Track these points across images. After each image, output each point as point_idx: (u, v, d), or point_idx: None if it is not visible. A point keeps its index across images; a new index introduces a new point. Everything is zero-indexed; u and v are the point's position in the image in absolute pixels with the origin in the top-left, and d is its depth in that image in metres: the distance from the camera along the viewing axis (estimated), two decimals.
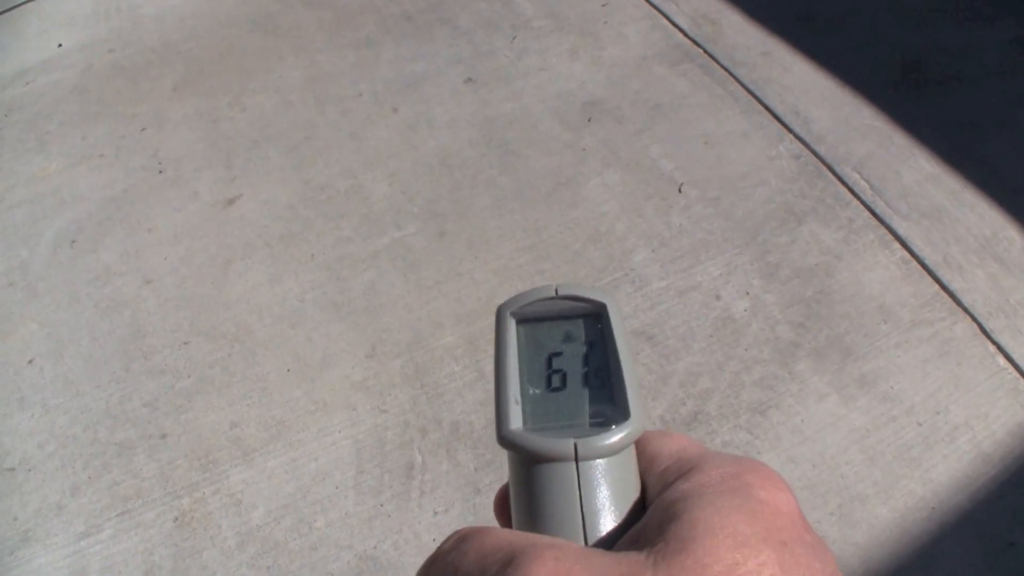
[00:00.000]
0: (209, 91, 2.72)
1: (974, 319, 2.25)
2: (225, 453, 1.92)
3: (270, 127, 2.53)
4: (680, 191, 2.47)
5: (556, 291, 0.43)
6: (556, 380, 0.41)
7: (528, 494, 0.38)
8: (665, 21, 2.94)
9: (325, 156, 2.46)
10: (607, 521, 0.36)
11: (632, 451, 0.39)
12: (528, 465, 0.38)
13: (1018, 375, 2.15)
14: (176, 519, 1.84)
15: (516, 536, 0.33)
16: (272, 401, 2.01)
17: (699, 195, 2.47)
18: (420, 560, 1.71)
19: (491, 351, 2.08)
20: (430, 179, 2.43)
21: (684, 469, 0.36)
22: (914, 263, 2.36)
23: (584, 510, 0.36)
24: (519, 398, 0.41)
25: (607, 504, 0.37)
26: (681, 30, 2.92)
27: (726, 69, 2.81)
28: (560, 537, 0.34)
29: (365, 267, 2.24)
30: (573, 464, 0.37)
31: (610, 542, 0.35)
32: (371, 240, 2.30)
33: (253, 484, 1.88)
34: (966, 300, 2.29)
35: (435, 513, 1.86)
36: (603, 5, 2.96)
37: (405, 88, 2.65)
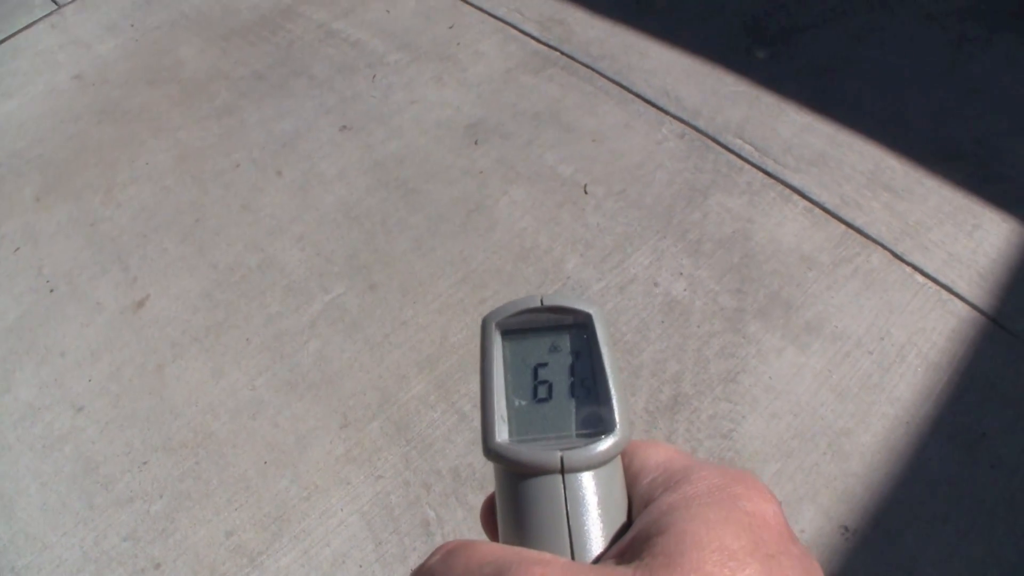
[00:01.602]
0: (76, 193, 2.53)
1: (884, 247, 2.42)
2: (231, 565, 1.81)
3: (155, 217, 2.39)
4: (586, 192, 2.52)
5: (541, 301, 0.43)
6: (542, 391, 0.42)
7: (515, 507, 0.38)
8: (515, 32, 2.98)
9: (223, 235, 2.36)
10: (594, 534, 0.36)
11: (619, 463, 0.40)
12: (514, 477, 0.39)
13: (938, 287, 2.32)
14: None
15: (503, 551, 0.33)
16: (261, 498, 1.91)
17: (605, 192, 2.53)
18: None
19: (464, 391, 2.07)
20: (340, 234, 2.37)
21: (671, 481, 0.37)
22: (817, 210, 2.51)
23: (571, 523, 0.36)
24: (505, 410, 0.41)
25: (594, 517, 0.37)
26: (533, 37, 2.96)
27: (588, 66, 2.88)
28: (547, 550, 0.34)
29: (306, 338, 2.17)
30: (559, 476, 0.37)
31: (597, 555, 0.36)
32: (302, 310, 2.22)
33: None
34: (872, 232, 2.46)
35: None
36: (450, 28, 2.97)
37: (282, 149, 2.57)
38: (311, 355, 2.14)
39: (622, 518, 0.38)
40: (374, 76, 2.81)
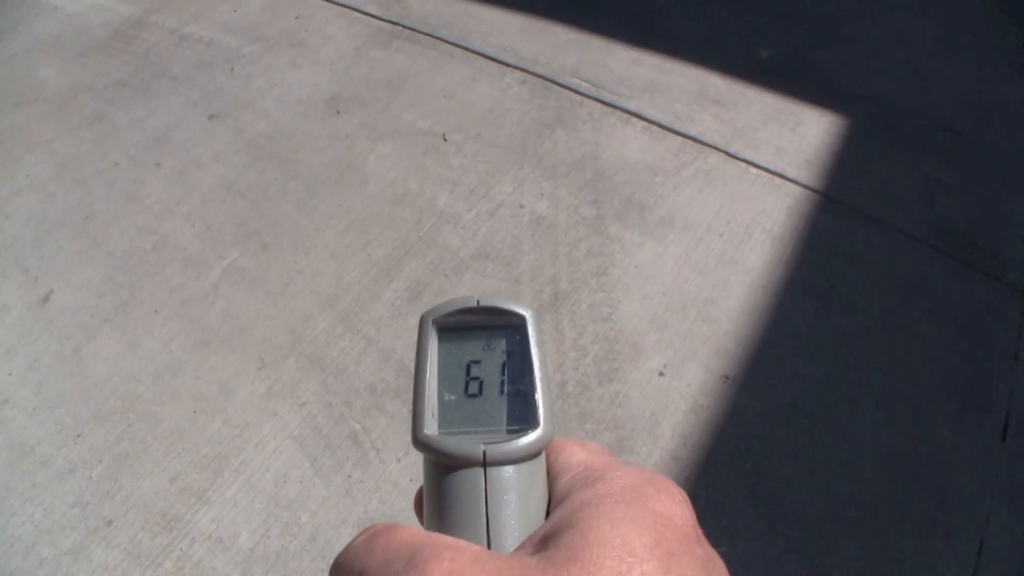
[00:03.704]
0: None
1: (719, 150, 2.59)
2: (180, 506, 1.82)
3: (45, 221, 2.37)
4: (446, 140, 2.62)
5: (478, 302, 0.43)
6: (473, 387, 0.42)
7: (438, 496, 0.38)
8: (358, 14, 3.04)
9: (115, 225, 2.35)
10: (512, 526, 0.36)
11: (542, 459, 0.40)
12: (440, 468, 0.38)
13: (771, 175, 2.51)
14: None
15: (421, 536, 0.33)
16: (196, 444, 1.92)
17: (463, 137, 2.63)
18: (410, 503, 1.76)
19: (366, 319, 2.14)
20: (226, 208, 2.40)
21: (589, 479, 0.37)
22: (654, 127, 2.67)
23: (489, 515, 0.36)
24: (436, 403, 0.41)
25: (512, 509, 0.37)
26: (375, 16, 3.03)
27: (430, 35, 2.98)
28: (464, 539, 0.34)
29: (212, 300, 2.19)
30: (482, 469, 0.38)
31: (512, 546, 0.36)
32: (203, 277, 2.24)
33: (224, 517, 1.79)
34: (706, 138, 2.63)
35: (397, 460, 1.89)
36: (296, 18, 3.03)
37: (156, 143, 2.57)
38: (219, 314, 2.17)
39: (541, 513, 0.38)
40: (232, 68, 2.84)
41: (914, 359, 2.12)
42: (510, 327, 0.44)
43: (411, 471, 1.87)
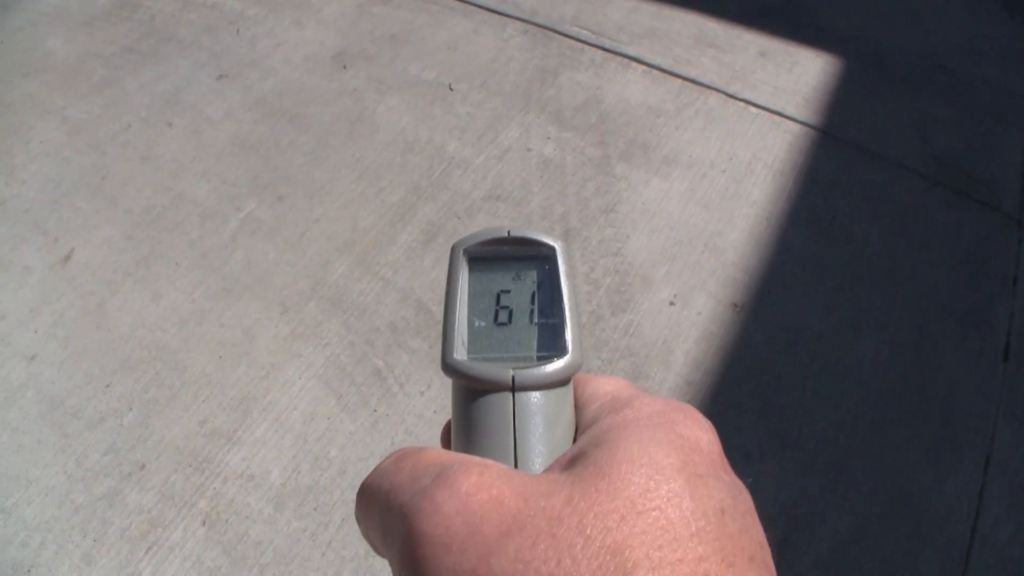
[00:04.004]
0: None
1: (718, 90, 2.62)
2: (211, 448, 1.86)
3: (61, 185, 2.39)
4: (451, 89, 2.64)
5: (508, 233, 0.43)
6: (503, 315, 0.42)
7: (466, 419, 0.38)
8: None
9: (132, 185, 2.38)
10: (539, 450, 0.36)
11: (570, 388, 0.40)
12: (468, 393, 0.38)
13: (770, 113, 2.53)
14: (204, 522, 1.78)
15: (449, 455, 0.34)
16: (224, 387, 1.96)
17: (468, 87, 2.65)
18: (436, 433, 1.79)
19: (383, 261, 2.17)
20: (240, 162, 2.42)
21: (616, 406, 0.37)
22: (654, 71, 2.69)
23: (517, 438, 0.36)
24: (466, 330, 0.41)
25: (540, 434, 0.37)
26: None
27: None
28: (491, 459, 0.34)
29: (231, 251, 2.22)
30: (510, 394, 0.37)
31: (539, 469, 0.35)
32: (221, 229, 2.27)
33: (254, 456, 1.84)
34: (705, 80, 2.66)
35: (421, 394, 1.93)
36: None
37: (167, 104, 2.60)
38: (239, 263, 2.20)
39: (569, 440, 0.38)
40: (238, 30, 2.86)
41: (915, 285, 2.16)
42: (540, 257, 0.43)
43: (435, 403, 1.91)
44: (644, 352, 2.00)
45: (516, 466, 0.36)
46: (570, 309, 0.41)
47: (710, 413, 1.85)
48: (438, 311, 2.08)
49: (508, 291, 0.43)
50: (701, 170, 2.39)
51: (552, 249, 0.43)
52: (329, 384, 1.95)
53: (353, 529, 1.73)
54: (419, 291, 2.11)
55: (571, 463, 0.32)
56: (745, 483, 0.35)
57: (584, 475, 0.30)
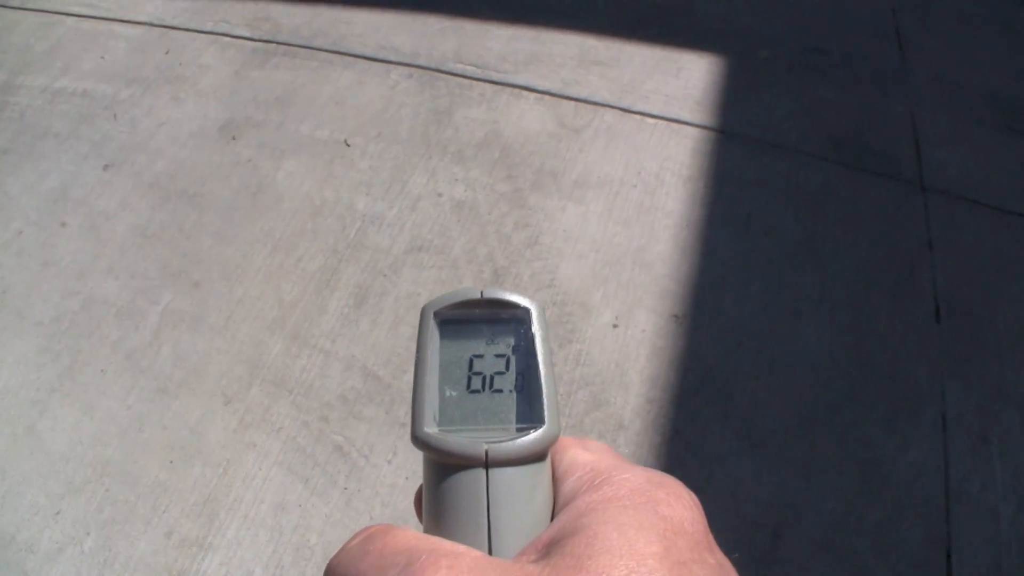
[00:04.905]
0: None
1: (612, 107, 2.63)
2: (184, 558, 1.74)
3: None
4: (348, 144, 2.57)
5: (481, 294, 0.41)
6: (476, 382, 0.40)
7: (437, 497, 0.36)
8: (228, 38, 2.95)
9: (36, 293, 2.22)
10: (513, 530, 0.34)
11: (547, 459, 0.38)
12: (440, 468, 0.37)
13: (667, 122, 2.57)
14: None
15: (418, 540, 0.32)
16: (183, 492, 1.84)
17: (365, 139, 2.59)
18: (411, 503, 1.73)
19: (317, 332, 2.10)
20: (146, 253, 2.29)
21: (595, 480, 0.35)
22: (546, 97, 2.69)
23: (491, 518, 0.35)
24: (436, 399, 0.39)
25: (516, 513, 0.35)
26: (246, 38, 2.95)
27: (305, 47, 2.91)
28: (464, 543, 0.33)
29: (157, 347, 2.10)
30: (483, 470, 0.36)
31: (515, 551, 0.34)
32: (141, 326, 2.14)
33: (232, 559, 1.72)
34: (598, 98, 2.67)
35: (388, 462, 1.87)
36: (166, 53, 2.90)
37: (56, 203, 2.43)
38: (168, 359, 2.09)
39: (546, 517, 0.36)
40: (115, 115, 2.72)
41: (839, 265, 2.22)
42: (515, 320, 0.41)
43: (405, 468, 1.86)
44: (599, 379, 1.99)
45: (490, 548, 0.34)
46: (546, 376, 0.39)
47: (674, 426, 1.86)
48: (387, 375, 2.02)
49: (481, 356, 0.40)
50: (613, 188, 2.39)
51: (527, 311, 0.41)
52: (292, 469, 1.87)
53: None
54: (362, 357, 2.05)
55: (547, 549, 0.31)
56: (731, 559, 0.34)
57: (560, 567, 0.29)
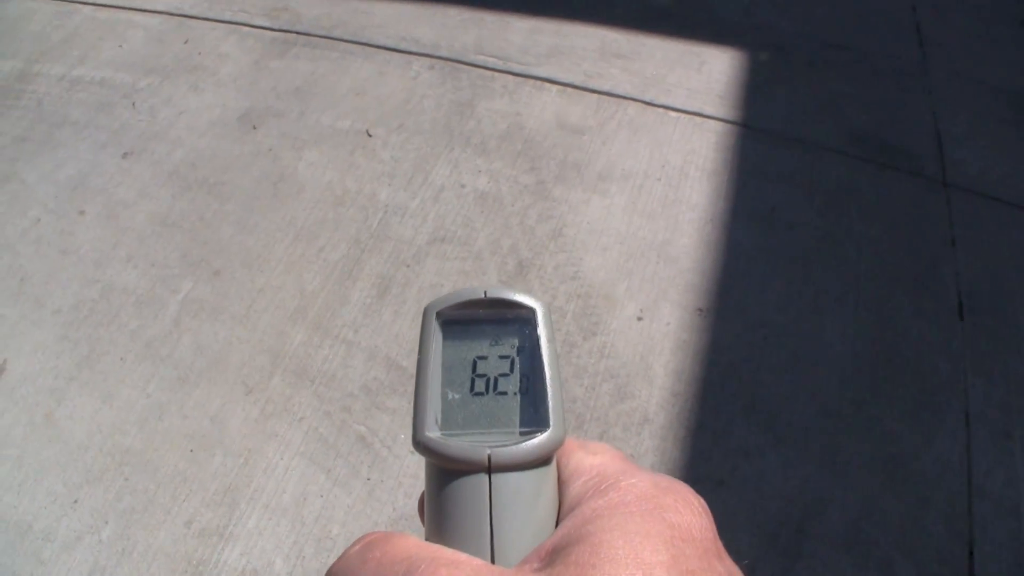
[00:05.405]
0: None
1: (635, 100, 2.60)
2: (204, 548, 1.71)
3: None
4: (370, 135, 2.54)
5: (485, 294, 0.40)
6: (479, 385, 0.38)
7: (439, 503, 0.35)
8: (247, 28, 2.92)
9: (55, 282, 2.18)
10: (517, 537, 0.33)
11: (552, 465, 0.37)
12: (442, 473, 0.35)
13: (690, 115, 2.53)
14: None
15: (418, 548, 0.31)
16: (203, 482, 1.81)
17: (387, 130, 2.55)
18: None
19: (339, 323, 2.06)
20: (165, 242, 2.26)
21: (601, 486, 0.34)
22: (569, 89, 2.66)
23: (493, 524, 0.33)
24: (439, 403, 0.37)
25: (519, 519, 0.34)
26: (265, 28, 2.92)
27: (325, 36, 2.88)
28: (467, 551, 0.32)
29: (177, 336, 2.07)
30: (486, 475, 0.34)
31: (518, 559, 0.33)
32: (161, 315, 2.11)
33: (252, 549, 1.69)
34: (620, 91, 2.63)
35: (411, 453, 1.83)
36: (185, 43, 2.87)
37: (74, 192, 2.40)
38: (188, 348, 2.05)
39: (550, 523, 0.35)
40: (133, 104, 2.68)
41: (863, 261, 2.19)
42: (520, 320, 0.40)
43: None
44: (624, 372, 1.95)
45: (492, 556, 0.33)
46: (552, 378, 0.38)
47: (699, 420, 1.82)
48: (410, 365, 1.98)
49: (485, 358, 0.39)
50: (637, 181, 2.36)
51: (532, 311, 0.40)
52: (314, 460, 1.83)
53: None
54: (385, 348, 2.01)
55: (551, 557, 0.30)
56: (740, 565, 0.33)
57: None
